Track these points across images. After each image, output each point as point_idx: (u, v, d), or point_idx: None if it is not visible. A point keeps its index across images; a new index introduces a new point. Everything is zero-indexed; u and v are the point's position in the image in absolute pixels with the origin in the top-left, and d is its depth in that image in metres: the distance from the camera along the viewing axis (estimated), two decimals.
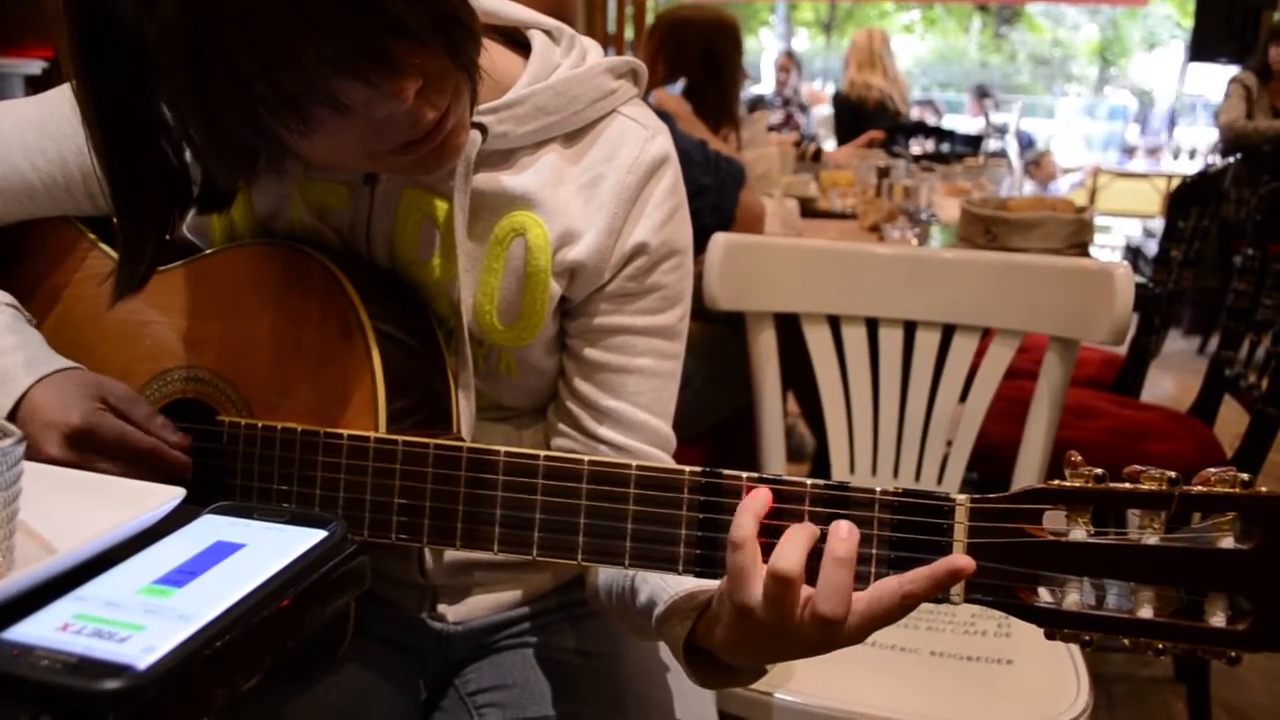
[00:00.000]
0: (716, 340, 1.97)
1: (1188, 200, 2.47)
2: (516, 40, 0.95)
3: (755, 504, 0.71)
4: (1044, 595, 0.68)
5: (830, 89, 9.78)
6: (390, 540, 0.80)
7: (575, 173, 0.92)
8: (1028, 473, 1.53)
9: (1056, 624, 0.67)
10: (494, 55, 0.89)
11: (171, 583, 0.56)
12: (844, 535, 0.69)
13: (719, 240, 1.52)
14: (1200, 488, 0.65)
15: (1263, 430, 1.91)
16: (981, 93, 8.60)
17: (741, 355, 1.61)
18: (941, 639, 1.42)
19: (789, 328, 1.59)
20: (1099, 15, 15.46)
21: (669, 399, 0.98)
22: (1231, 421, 2.19)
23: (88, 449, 0.80)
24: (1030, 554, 0.67)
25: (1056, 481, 0.68)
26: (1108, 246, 7.03)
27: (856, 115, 5.09)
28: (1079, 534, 0.67)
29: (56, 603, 0.54)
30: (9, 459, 0.56)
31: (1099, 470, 0.67)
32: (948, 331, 1.54)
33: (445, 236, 0.90)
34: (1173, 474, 0.65)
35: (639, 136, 0.93)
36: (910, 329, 1.56)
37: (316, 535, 0.62)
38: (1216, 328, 5.00)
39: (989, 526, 0.68)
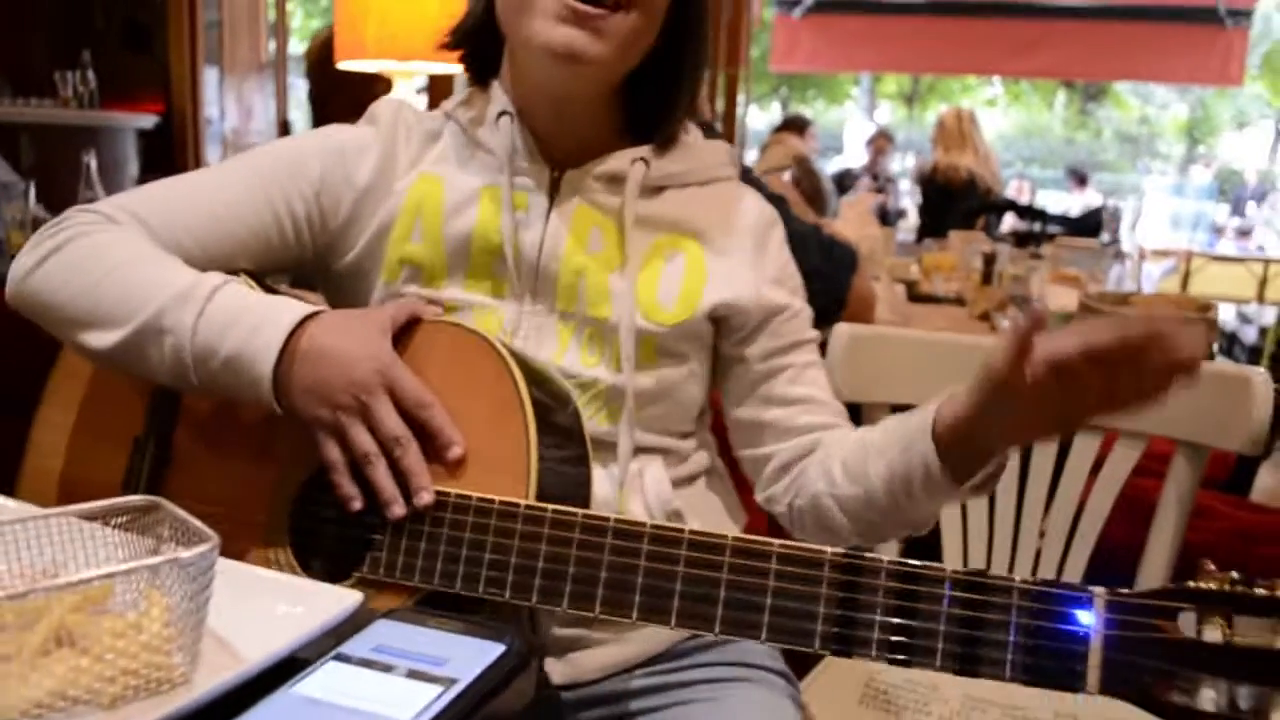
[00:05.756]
0: None
1: None
2: None
3: None
4: (1178, 694, 0.68)
5: (911, 160, 9.79)
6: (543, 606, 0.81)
7: (713, 209, 1.06)
8: (1152, 581, 1.48)
9: None
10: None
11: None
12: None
13: (842, 331, 1.51)
14: None
15: None
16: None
17: None
18: None
19: None
20: (1188, 94, 15.30)
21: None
22: None
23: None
24: (1166, 651, 0.68)
25: (1191, 583, 0.69)
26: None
27: (945, 195, 5.07)
28: (1214, 635, 0.67)
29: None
30: (204, 564, 0.57)
31: (1235, 574, 0.68)
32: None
33: (616, 233, 1.01)
34: None
35: (757, 200, 1.10)
36: None
37: (494, 649, 0.61)
38: None
39: (1126, 619, 0.69)
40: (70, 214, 0.95)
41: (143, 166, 5.07)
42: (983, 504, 1.55)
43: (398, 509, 0.81)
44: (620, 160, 1.02)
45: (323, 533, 0.89)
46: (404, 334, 0.90)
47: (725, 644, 1.06)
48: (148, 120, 5.14)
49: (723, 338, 1.06)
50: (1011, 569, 1.55)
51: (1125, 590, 0.70)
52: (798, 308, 1.09)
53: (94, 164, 2.87)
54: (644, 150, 1.03)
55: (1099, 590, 0.70)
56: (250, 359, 0.84)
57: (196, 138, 5.41)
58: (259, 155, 1.03)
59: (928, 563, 0.73)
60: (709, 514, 1.08)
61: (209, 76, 5.54)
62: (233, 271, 0.96)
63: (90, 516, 0.63)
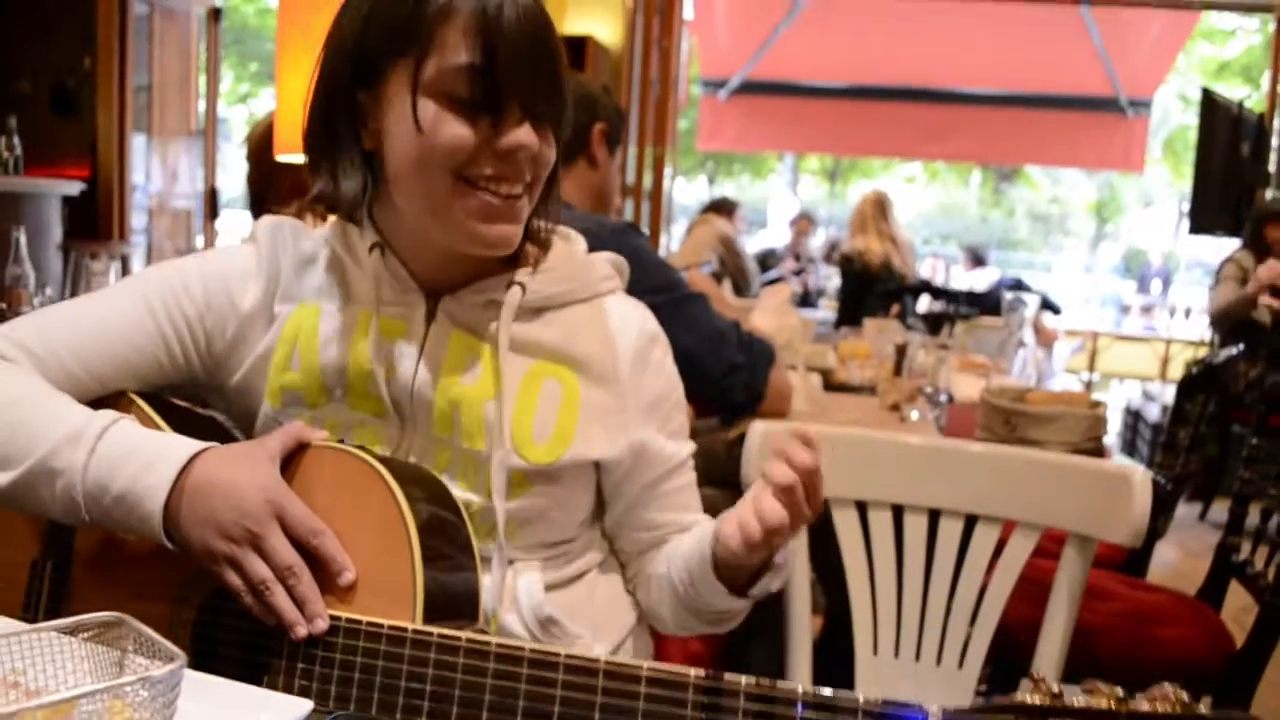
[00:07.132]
0: None
1: (1194, 387, 2.57)
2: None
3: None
4: None
5: (833, 232, 10.07)
6: None
7: (592, 332, 1.07)
8: (1048, 662, 1.58)
9: None
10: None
11: None
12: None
13: (758, 429, 1.60)
14: (1145, 706, 0.70)
15: (1272, 622, 1.96)
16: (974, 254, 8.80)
17: None
18: None
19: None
20: (1096, 175, 15.94)
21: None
22: (1241, 595, 2.23)
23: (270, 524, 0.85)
24: None
25: (1019, 696, 0.74)
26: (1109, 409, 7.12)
27: (862, 280, 5.26)
28: None
29: None
30: (172, 680, 0.62)
31: (1055, 688, 0.73)
32: (970, 520, 1.61)
33: (490, 361, 1.02)
34: (1120, 692, 0.71)
35: (640, 316, 1.12)
36: (934, 516, 1.62)
37: None
38: (1217, 494, 5.06)
39: None
40: None
41: (67, 233, 5.03)
42: (891, 588, 1.64)
43: (301, 630, 0.84)
44: (496, 286, 1.04)
45: (220, 657, 0.90)
46: (292, 460, 0.93)
47: None
48: (73, 187, 5.10)
49: (597, 471, 1.10)
50: (918, 649, 1.64)
51: (957, 706, 0.74)
52: (673, 428, 1.14)
53: (23, 239, 2.84)
54: (522, 274, 1.05)
55: (933, 708, 0.74)
56: (140, 496, 0.86)
57: (122, 203, 5.39)
58: (144, 279, 1.05)
59: (782, 683, 0.78)
60: (596, 610, 1.13)
61: (136, 142, 5.54)
62: (124, 404, 1.00)
63: (63, 630, 0.68)
